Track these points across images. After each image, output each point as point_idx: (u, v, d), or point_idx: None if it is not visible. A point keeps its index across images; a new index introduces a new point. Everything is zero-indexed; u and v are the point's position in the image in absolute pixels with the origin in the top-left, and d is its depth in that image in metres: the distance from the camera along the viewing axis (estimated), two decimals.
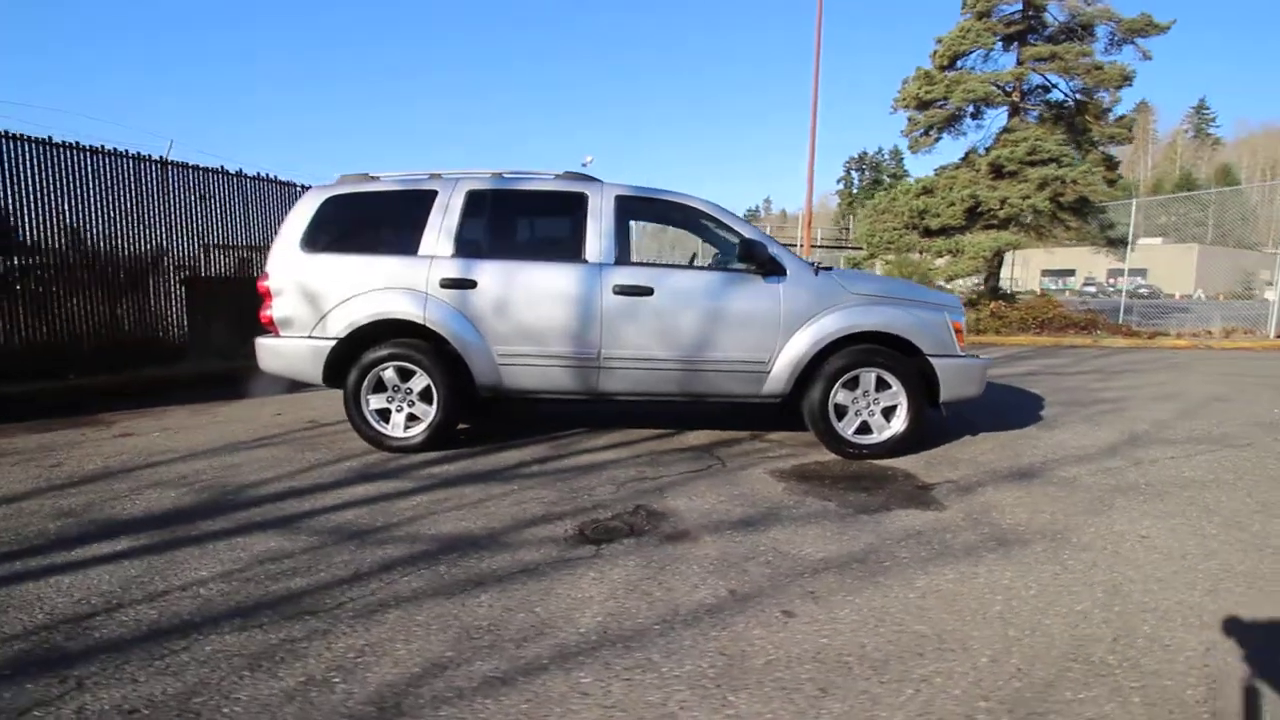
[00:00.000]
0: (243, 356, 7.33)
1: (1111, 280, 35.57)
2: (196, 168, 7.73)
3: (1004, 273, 16.77)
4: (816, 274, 4.07)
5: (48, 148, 6.30)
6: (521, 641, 1.96)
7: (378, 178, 4.28)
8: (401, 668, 1.82)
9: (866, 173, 66.60)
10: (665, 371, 4.01)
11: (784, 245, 4.32)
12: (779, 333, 3.97)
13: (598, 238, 4.02)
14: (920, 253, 14.49)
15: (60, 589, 2.25)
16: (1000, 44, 14.65)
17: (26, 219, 6.16)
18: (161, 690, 1.70)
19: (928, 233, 14.25)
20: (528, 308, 3.96)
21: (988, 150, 14.52)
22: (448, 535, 2.76)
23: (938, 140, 15.46)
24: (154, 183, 7.29)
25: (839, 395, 3.98)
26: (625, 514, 3.03)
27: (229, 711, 1.63)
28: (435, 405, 3.97)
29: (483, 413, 5.01)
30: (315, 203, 4.15)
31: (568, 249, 4.05)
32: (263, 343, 4.14)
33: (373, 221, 4.28)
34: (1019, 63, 14.45)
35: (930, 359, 3.99)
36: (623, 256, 4.09)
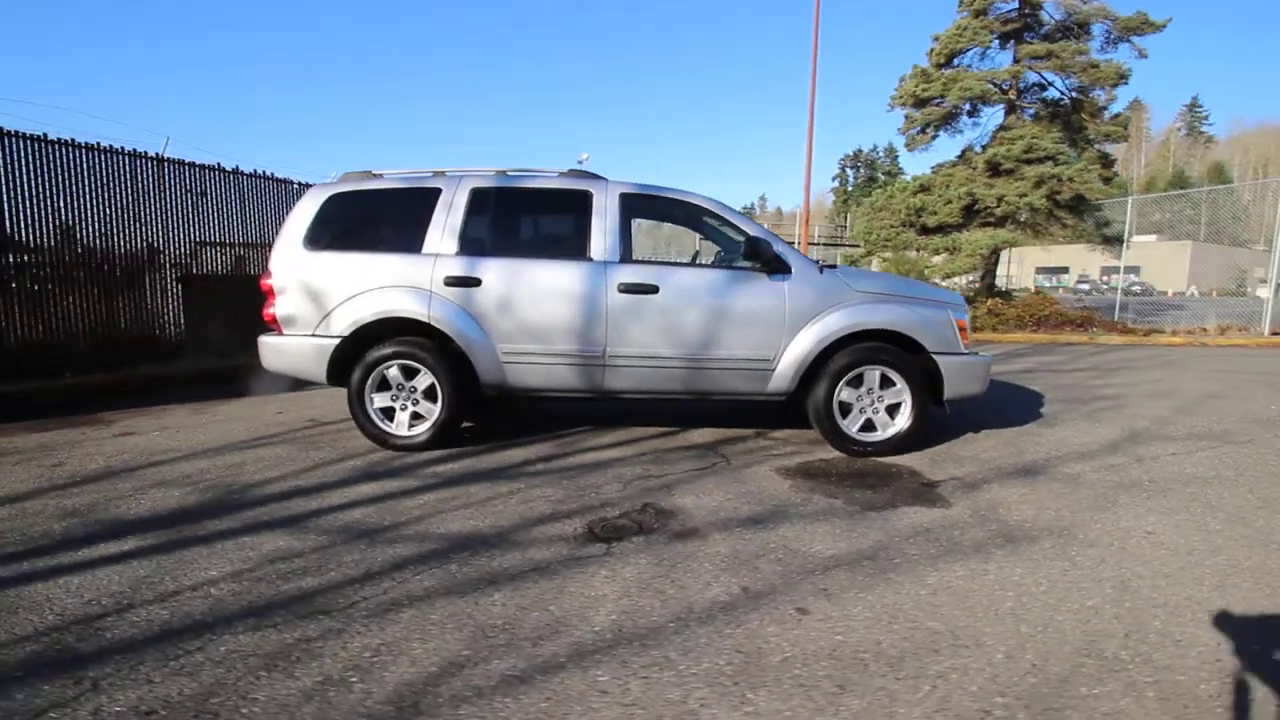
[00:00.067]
0: (240, 354, 7.34)
1: (1105, 278, 35.77)
2: (192, 165, 7.68)
3: (1000, 270, 16.85)
4: (821, 272, 4.07)
5: (43, 144, 6.25)
6: (538, 640, 1.96)
7: (381, 175, 4.26)
8: (419, 667, 1.81)
9: (861, 170, 66.72)
10: (671, 369, 4.01)
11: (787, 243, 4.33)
12: (784, 330, 3.97)
13: (602, 235, 4.01)
14: (917, 250, 14.54)
15: (69, 590, 2.23)
16: (997, 42, 14.70)
17: (22, 216, 6.10)
18: (178, 691, 1.69)
19: (925, 230, 14.30)
20: (533, 306, 3.95)
21: (984, 148, 14.57)
22: (457, 534, 2.75)
23: (934, 138, 15.52)
24: (150, 180, 7.24)
25: (843, 393, 3.99)
26: (633, 512, 3.03)
27: (247, 712, 1.62)
28: (440, 404, 3.96)
29: (486, 411, 5.00)
30: (318, 200, 4.12)
31: (572, 247, 4.04)
32: (266, 341, 4.12)
33: (376, 219, 4.25)
34: (1015, 61, 14.51)
35: (934, 357, 4.01)
36: (627, 254, 4.09)
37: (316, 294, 3.99)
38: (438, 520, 2.91)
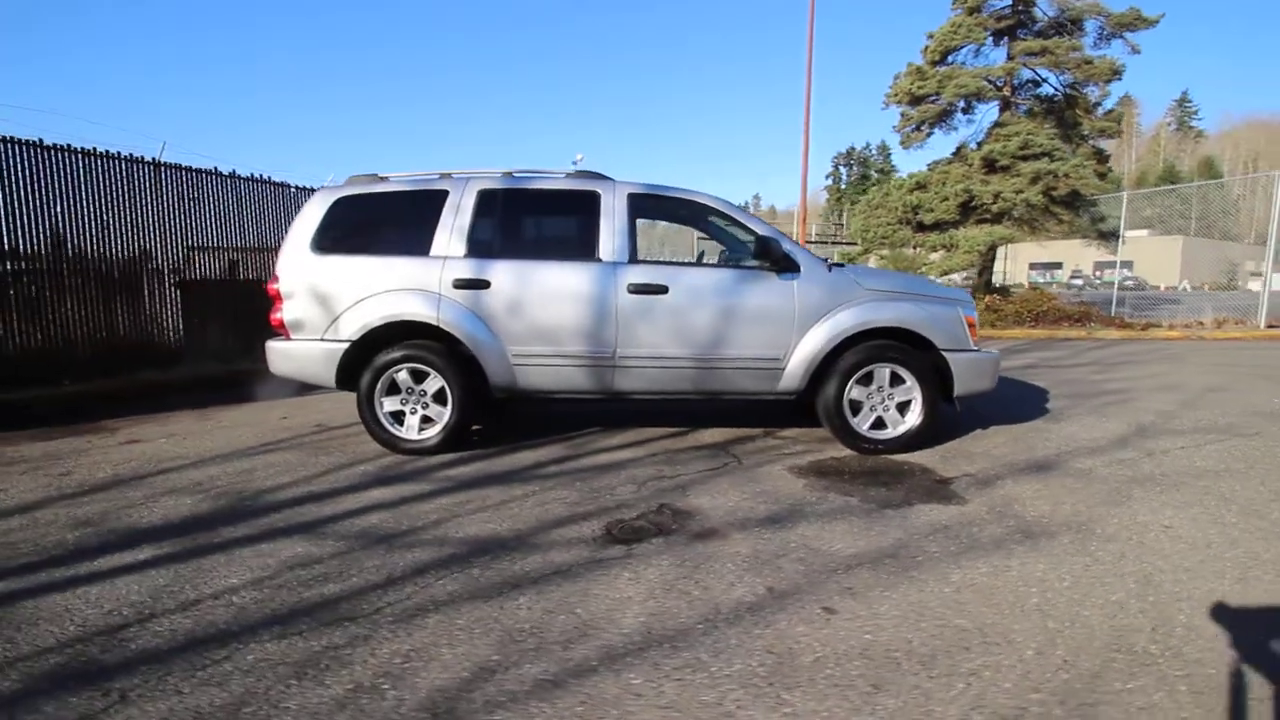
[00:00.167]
0: (240, 359, 7.30)
1: (1098, 273, 36.01)
2: (189, 169, 7.62)
3: (995, 267, 16.91)
4: (829, 270, 4.08)
5: (38, 150, 6.19)
6: (567, 643, 1.95)
7: (387, 178, 4.24)
8: (450, 672, 1.80)
9: (854, 168, 66.86)
10: (681, 369, 4.00)
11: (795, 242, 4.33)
12: (794, 329, 3.97)
13: (611, 236, 4.00)
14: (914, 247, 14.58)
15: (89, 600, 2.21)
16: (991, 39, 14.74)
17: (17, 223, 6.04)
18: (209, 701, 1.68)
19: (921, 227, 14.34)
20: (542, 307, 3.93)
21: (980, 145, 14.62)
22: (475, 538, 2.74)
23: (930, 135, 15.54)
24: (146, 185, 7.18)
25: (853, 391, 3.99)
26: (650, 513, 3.02)
27: None
28: (450, 407, 3.94)
29: (495, 414, 4.98)
30: (325, 204, 4.10)
31: (581, 248, 4.03)
32: (274, 346, 4.09)
33: (383, 222, 4.23)
34: (1009, 57, 14.56)
35: (944, 354, 4.02)
36: (635, 255, 4.08)
37: (324, 298, 3.97)
38: (455, 524, 2.89)
